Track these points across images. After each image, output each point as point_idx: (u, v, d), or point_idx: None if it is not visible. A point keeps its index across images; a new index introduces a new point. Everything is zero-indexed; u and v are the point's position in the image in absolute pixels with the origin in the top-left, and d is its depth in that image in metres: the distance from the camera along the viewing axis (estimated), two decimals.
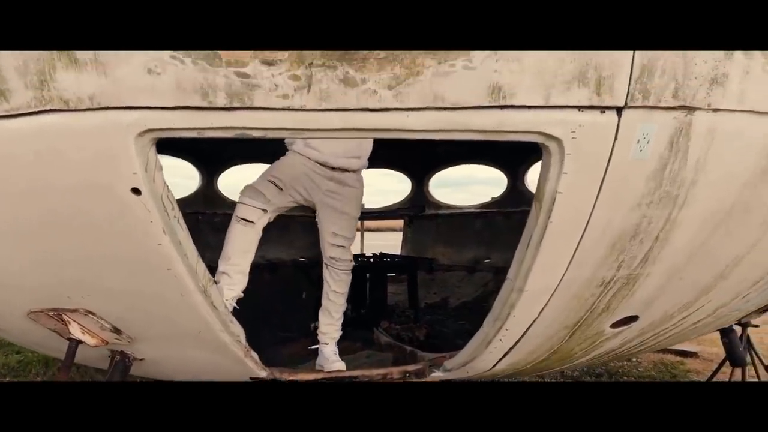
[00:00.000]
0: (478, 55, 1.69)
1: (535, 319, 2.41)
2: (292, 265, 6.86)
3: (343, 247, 3.05)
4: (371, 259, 6.24)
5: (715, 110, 1.93)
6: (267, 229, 2.96)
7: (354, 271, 5.85)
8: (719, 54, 1.86)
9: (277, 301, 5.78)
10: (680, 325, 2.91)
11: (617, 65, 1.77)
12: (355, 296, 5.58)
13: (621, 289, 2.37)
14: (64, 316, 2.42)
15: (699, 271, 2.44)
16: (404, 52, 1.66)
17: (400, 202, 7.85)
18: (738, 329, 3.99)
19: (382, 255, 7.15)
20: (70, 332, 2.45)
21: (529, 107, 1.78)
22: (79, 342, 2.50)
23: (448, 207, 7.44)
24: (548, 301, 2.33)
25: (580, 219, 2.04)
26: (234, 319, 2.51)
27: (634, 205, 2.05)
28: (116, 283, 2.19)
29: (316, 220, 3.05)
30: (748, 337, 4.19)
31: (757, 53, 1.90)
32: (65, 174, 1.85)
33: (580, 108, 1.81)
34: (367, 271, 5.80)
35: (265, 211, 2.78)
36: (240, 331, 2.53)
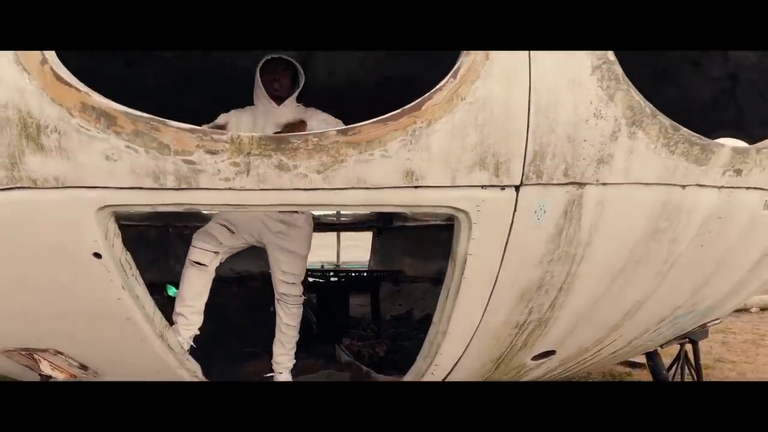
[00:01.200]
0: (393, 145, 1.98)
1: (460, 357, 2.71)
2: (261, 278, 7.05)
3: (293, 283, 3.30)
4: (334, 277, 6.49)
5: (604, 184, 2.25)
6: None
7: (318, 287, 6.09)
8: (605, 137, 2.17)
9: (244, 314, 5.97)
10: (599, 355, 3.24)
11: (512, 152, 2.08)
12: (318, 312, 5.85)
13: (535, 329, 2.68)
14: (35, 355, 2.66)
15: (605, 313, 2.77)
16: (330, 143, 1.95)
17: (368, 214, 8.06)
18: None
19: (346, 271, 7.40)
20: (41, 369, 2.69)
21: (439, 187, 2.08)
22: (50, 377, 2.74)
23: (415, 219, 7.67)
24: (470, 341, 2.63)
25: (490, 275, 2.34)
26: (190, 357, 2.77)
27: (536, 263, 2.36)
28: (81, 331, 2.45)
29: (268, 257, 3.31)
30: (685, 353, 4.52)
31: (641, 133, 2.21)
32: (33, 241, 2.10)
33: (483, 186, 2.12)
34: (330, 289, 6.05)
35: (217, 253, 3.04)
36: (196, 367, 2.78)
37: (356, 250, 11.25)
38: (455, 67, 2.00)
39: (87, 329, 2.45)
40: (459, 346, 2.65)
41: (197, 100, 4.90)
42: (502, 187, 2.15)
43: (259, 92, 3.15)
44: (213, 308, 3.10)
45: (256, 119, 3.12)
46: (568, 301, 2.57)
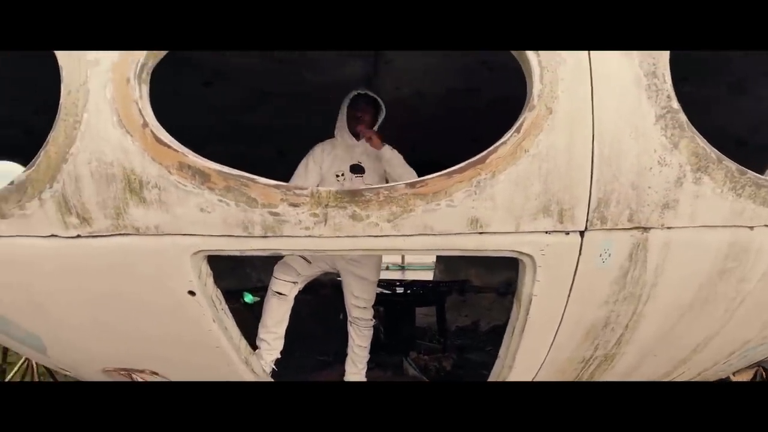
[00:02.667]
0: (458, 195, 2.10)
1: None
2: (330, 286, 7.29)
3: (364, 308, 3.48)
4: (400, 291, 6.63)
5: (669, 228, 2.28)
6: None
7: (384, 299, 6.26)
8: (670, 183, 2.20)
9: (316, 322, 6.22)
10: None
11: (576, 200, 2.16)
12: (386, 323, 6.02)
13: (601, 364, 2.73)
14: (133, 375, 2.96)
15: (672, 349, 2.77)
16: (399, 195, 2.09)
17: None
18: None
19: (412, 283, 7.52)
20: None
21: (503, 233, 2.18)
22: None
23: None
24: (536, 374, 2.71)
25: (555, 315, 2.42)
26: (272, 380, 2.99)
27: (601, 303, 2.42)
28: (176, 356, 2.72)
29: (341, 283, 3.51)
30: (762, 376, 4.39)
31: (706, 179, 2.23)
32: (135, 280, 2.37)
33: (547, 232, 2.20)
34: (396, 302, 6.19)
35: (295, 283, 3.25)
36: None
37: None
38: (519, 122, 2.10)
39: (181, 354, 2.71)
40: (525, 378, 2.73)
41: (269, 116, 5.22)
42: (567, 233, 2.22)
43: (341, 126, 3.34)
44: None
45: (336, 154, 3.30)
46: (634, 338, 2.60)
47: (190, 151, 2.15)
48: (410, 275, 13.46)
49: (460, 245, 2.20)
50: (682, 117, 2.17)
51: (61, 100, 2.21)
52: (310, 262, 3.26)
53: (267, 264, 3.35)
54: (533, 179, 2.12)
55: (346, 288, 3.48)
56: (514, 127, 2.10)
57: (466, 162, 2.10)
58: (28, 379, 5.45)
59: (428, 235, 2.16)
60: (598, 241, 2.25)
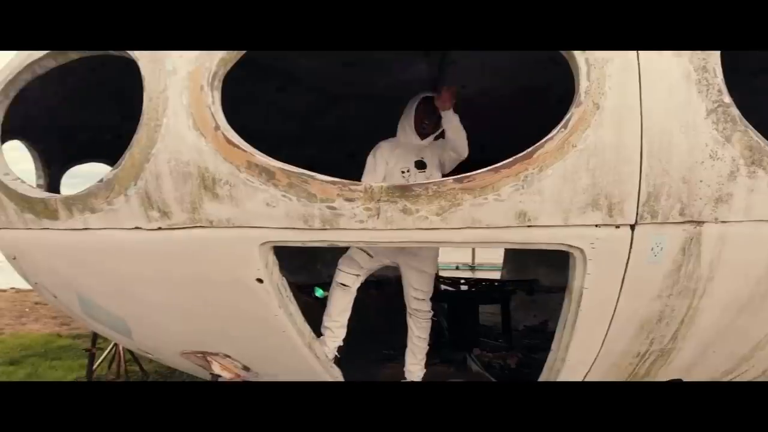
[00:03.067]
0: (506, 190, 2.19)
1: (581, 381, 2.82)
2: (395, 283, 7.43)
3: (422, 299, 3.60)
4: (464, 288, 6.67)
5: (724, 222, 2.26)
6: None
7: (448, 296, 6.32)
8: (723, 177, 2.19)
9: (383, 317, 6.38)
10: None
11: (625, 194, 2.18)
12: (450, 320, 6.10)
13: (657, 359, 2.72)
14: (208, 357, 3.22)
15: (732, 345, 2.72)
16: (447, 190, 2.20)
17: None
18: None
19: (477, 281, 7.53)
20: (212, 369, 3.24)
21: (551, 226, 2.24)
22: (219, 376, 3.29)
23: None
24: (591, 368, 2.73)
25: (607, 308, 2.45)
26: (334, 365, 3.17)
27: (654, 297, 2.42)
28: (246, 339, 2.94)
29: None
30: None
31: (761, 172, 2.20)
32: (209, 268, 2.60)
33: (597, 225, 2.24)
34: (460, 299, 6.25)
35: (358, 275, 3.42)
36: (338, 373, 3.17)
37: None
38: (566, 118, 2.16)
39: (250, 338, 2.93)
40: (579, 372, 2.76)
41: (339, 119, 5.42)
42: (617, 226, 2.25)
43: (407, 125, 3.47)
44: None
45: (400, 152, 3.43)
46: (691, 333, 2.58)
47: (257, 151, 2.35)
48: (480, 275, 13.47)
49: (508, 238, 2.28)
50: (734, 111, 2.15)
51: (144, 106, 2.47)
52: (372, 256, 3.41)
53: (336, 261, 3.57)
54: (581, 173, 2.17)
55: (406, 280, 3.61)
56: (562, 123, 2.16)
57: (514, 157, 2.18)
58: (115, 364, 5.94)
59: (476, 228, 2.26)
60: (650, 235, 2.26)
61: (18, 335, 7.66)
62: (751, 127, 2.18)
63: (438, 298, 6.83)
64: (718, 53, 2.14)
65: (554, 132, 2.16)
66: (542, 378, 2.87)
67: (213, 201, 2.42)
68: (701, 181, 2.19)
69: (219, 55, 2.39)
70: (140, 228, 2.62)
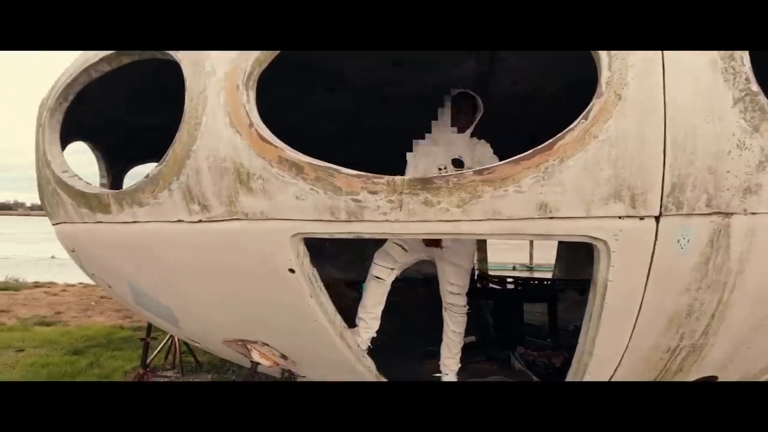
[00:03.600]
0: (526, 182, 2.22)
1: (611, 378, 2.80)
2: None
3: (458, 294, 3.64)
4: (510, 287, 6.64)
5: (753, 213, 2.21)
6: None
7: (494, 293, 6.30)
8: (751, 168, 2.15)
9: (428, 314, 6.45)
10: None
11: (648, 185, 2.17)
12: (495, 318, 6.10)
13: (689, 355, 2.67)
14: (248, 345, 3.37)
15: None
16: (468, 182, 2.25)
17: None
18: None
19: (525, 281, 7.47)
20: (251, 356, 3.39)
21: (573, 218, 2.25)
22: (258, 363, 3.44)
23: None
24: (620, 362, 2.71)
25: (633, 301, 2.43)
26: (366, 355, 3.26)
27: (683, 291, 2.39)
28: (282, 328, 3.07)
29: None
30: None
31: None
32: (246, 259, 2.73)
33: (620, 217, 2.24)
34: (505, 297, 6.23)
35: (393, 269, 3.49)
36: (370, 363, 3.26)
37: (549, 251, 11.15)
38: (587, 109, 2.17)
39: (285, 327, 3.06)
40: (608, 367, 2.75)
41: (388, 118, 5.50)
42: (641, 218, 2.24)
43: (443, 120, 3.54)
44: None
45: (437, 149, 3.50)
46: (723, 329, 2.53)
47: (288, 147, 2.46)
48: (538, 275, 13.31)
49: (530, 230, 2.30)
50: (763, 99, 2.11)
51: (185, 106, 2.63)
52: (407, 250, 3.49)
53: None
54: (603, 164, 2.17)
55: (441, 275, 3.66)
56: (583, 114, 2.17)
57: (533, 149, 2.21)
58: (171, 355, 6.24)
59: (497, 219, 2.29)
60: (675, 227, 2.24)
61: (83, 327, 8.14)
62: None
63: (484, 295, 6.86)
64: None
65: (575, 123, 2.17)
66: (571, 372, 2.86)
67: (248, 195, 2.55)
68: (728, 172, 2.15)
69: (253, 56, 2.52)
70: (182, 221, 2.79)
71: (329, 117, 5.46)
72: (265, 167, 2.48)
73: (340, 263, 7.84)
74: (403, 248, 3.47)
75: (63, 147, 4.02)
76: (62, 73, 3.39)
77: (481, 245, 9.75)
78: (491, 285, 7.66)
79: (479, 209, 2.28)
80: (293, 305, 2.85)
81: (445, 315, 3.73)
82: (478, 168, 2.28)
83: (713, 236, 2.26)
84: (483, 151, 3.31)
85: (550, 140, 2.19)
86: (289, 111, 5.14)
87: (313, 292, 2.77)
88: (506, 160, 2.24)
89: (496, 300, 6.30)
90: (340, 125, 5.65)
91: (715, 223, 2.23)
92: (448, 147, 3.45)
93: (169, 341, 6.36)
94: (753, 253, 2.29)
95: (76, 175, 3.29)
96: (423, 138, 3.54)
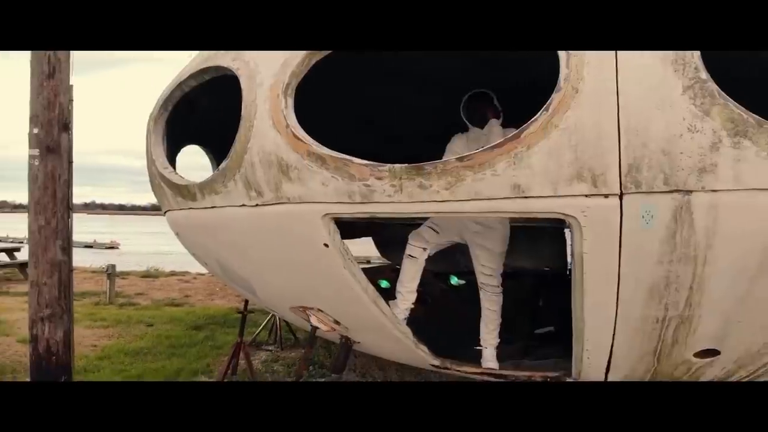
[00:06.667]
0: (500, 166, 2.60)
1: (611, 346, 3.06)
2: (534, 274, 7.61)
3: (490, 275, 3.99)
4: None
5: (713, 191, 2.42)
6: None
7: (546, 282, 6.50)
8: (704, 149, 2.37)
9: (512, 305, 6.73)
10: None
11: (606, 166, 2.47)
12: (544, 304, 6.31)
13: (679, 326, 2.86)
14: (307, 311, 4.00)
15: (758, 315, 2.76)
16: (452, 168, 2.67)
17: None
18: None
19: None
20: (310, 321, 4.02)
21: (543, 197, 2.60)
22: (317, 327, 4.05)
23: None
24: (614, 332, 2.97)
25: (610, 272, 2.71)
26: (402, 322, 3.75)
27: (656, 262, 2.63)
28: (327, 296, 3.66)
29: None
30: None
31: (747, 143, 2.33)
32: (291, 236, 3.35)
33: (586, 195, 2.55)
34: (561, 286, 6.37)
35: (425, 249, 3.94)
36: (407, 330, 3.73)
37: None
38: (548, 102, 2.51)
39: (330, 295, 3.64)
40: (604, 334, 3.01)
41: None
42: (605, 196, 2.53)
43: (466, 120, 3.97)
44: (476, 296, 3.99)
45: (469, 143, 3.91)
46: (704, 300, 2.71)
47: (315, 142, 3.03)
48: None
49: (507, 208, 2.68)
50: (712, 86, 2.32)
51: (242, 112, 3.30)
52: (438, 232, 3.93)
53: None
54: (564, 150, 2.50)
55: (474, 257, 4.05)
56: (544, 107, 2.51)
57: (505, 138, 2.59)
58: (273, 333, 7.07)
59: (479, 199, 2.69)
60: (637, 204, 2.50)
61: (205, 307, 9.39)
62: (731, 100, 2.32)
63: (568, 286, 7.02)
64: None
65: (538, 115, 2.52)
66: (574, 337, 3.14)
67: (288, 182, 3.16)
68: (681, 153, 2.38)
69: (290, 69, 3.12)
70: (245, 205, 3.46)
71: (417, 116, 5.93)
72: (299, 160, 3.06)
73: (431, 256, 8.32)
74: (434, 230, 3.92)
75: (176, 151, 4.95)
76: (164, 89, 4.24)
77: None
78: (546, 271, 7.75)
79: (463, 191, 2.69)
80: (331, 275, 3.41)
81: (481, 294, 4.10)
82: (459, 156, 2.69)
83: (675, 212, 2.48)
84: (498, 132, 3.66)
85: (518, 130, 2.56)
86: (378, 111, 5.68)
87: (346, 264, 3.32)
88: (483, 148, 2.63)
89: (549, 286, 6.48)
90: (426, 124, 6.09)
91: (676, 200, 2.46)
92: (478, 140, 3.83)
93: (272, 320, 7.24)
94: (719, 228, 2.47)
95: (174, 171, 4.12)
96: (459, 132, 3.96)
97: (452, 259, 7.48)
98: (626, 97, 2.41)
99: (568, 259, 8.38)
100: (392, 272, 6.81)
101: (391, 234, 7.31)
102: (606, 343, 3.06)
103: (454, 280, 7.13)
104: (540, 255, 8.16)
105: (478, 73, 4.73)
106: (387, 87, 5.27)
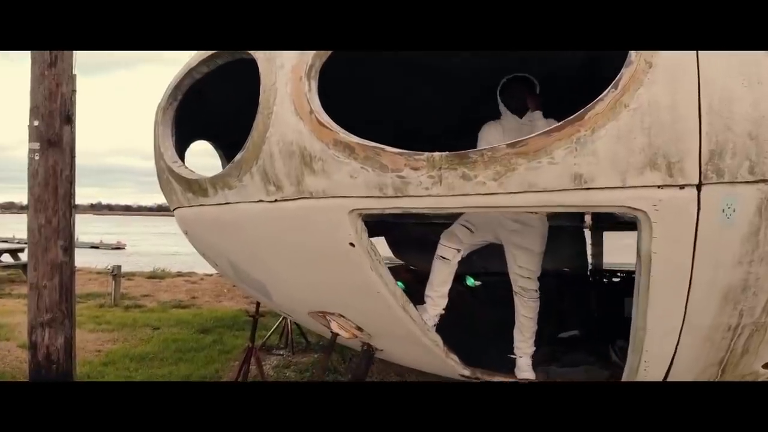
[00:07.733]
0: (559, 153, 2.28)
1: (673, 356, 2.74)
2: (554, 275, 7.32)
3: (528, 278, 3.65)
4: (616, 280, 6.42)
5: None
6: None
7: (597, 288, 6.21)
8: None
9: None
10: None
11: (684, 153, 2.14)
12: (598, 311, 5.99)
13: (753, 334, 2.54)
14: (327, 316, 3.68)
15: None
16: (502, 155, 2.35)
17: None
18: None
19: (625, 273, 7.15)
20: (331, 327, 3.70)
21: (609, 188, 2.27)
22: (338, 334, 3.74)
23: None
24: (679, 341, 2.65)
25: (681, 274, 2.38)
26: (432, 329, 3.43)
27: (734, 263, 2.31)
28: (351, 300, 3.34)
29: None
30: None
31: None
32: (313, 234, 3.03)
33: (659, 186, 2.22)
34: (608, 293, 6.07)
35: (459, 250, 3.61)
36: (437, 338, 3.42)
37: None
38: (617, 78, 2.19)
39: (354, 299, 3.32)
40: (666, 344, 2.69)
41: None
42: (681, 187, 2.21)
43: (503, 108, 3.65)
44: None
45: (504, 133, 3.59)
46: None
47: (342, 129, 2.72)
48: None
49: (566, 201, 2.36)
50: None
51: (260, 98, 2.98)
52: (473, 231, 3.60)
53: (489, 253, 3.87)
54: (635, 133, 2.18)
55: (510, 258, 3.71)
56: (613, 84, 2.19)
57: (565, 120, 2.26)
58: (284, 337, 6.77)
59: (533, 192, 2.37)
60: (718, 195, 2.18)
61: (213, 310, 9.09)
62: None
63: (589, 287, 6.71)
64: None
65: (605, 93, 2.20)
66: (631, 346, 2.82)
67: (311, 175, 2.85)
68: None
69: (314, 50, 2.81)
70: (262, 200, 3.15)
71: (439, 112, 5.63)
72: (324, 149, 2.75)
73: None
74: (469, 229, 3.59)
75: (185, 147, 4.64)
76: (173, 78, 3.94)
77: (597, 240, 9.43)
78: (597, 278, 7.43)
79: (514, 182, 2.38)
80: (357, 277, 3.10)
81: (516, 300, 3.77)
82: (511, 142, 2.37)
83: (761, 205, 2.16)
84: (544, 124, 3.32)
85: (581, 111, 2.24)
86: (398, 108, 5.40)
87: (373, 265, 3.00)
88: (538, 133, 2.31)
89: (599, 293, 6.20)
90: (450, 119, 5.79)
91: (762, 191, 2.14)
92: (514, 131, 3.50)
93: (283, 323, 6.94)
94: None
95: (183, 165, 3.81)
96: (491, 121, 3.64)
97: (469, 260, 7.23)
98: (708, 73, 2.08)
99: (588, 259, 8.18)
100: (407, 273, 6.56)
101: (405, 233, 7.03)
102: (667, 353, 2.74)
103: (470, 282, 6.86)
104: (559, 255, 7.79)
105: (490, 66, 4.46)
106: (404, 82, 4.95)
